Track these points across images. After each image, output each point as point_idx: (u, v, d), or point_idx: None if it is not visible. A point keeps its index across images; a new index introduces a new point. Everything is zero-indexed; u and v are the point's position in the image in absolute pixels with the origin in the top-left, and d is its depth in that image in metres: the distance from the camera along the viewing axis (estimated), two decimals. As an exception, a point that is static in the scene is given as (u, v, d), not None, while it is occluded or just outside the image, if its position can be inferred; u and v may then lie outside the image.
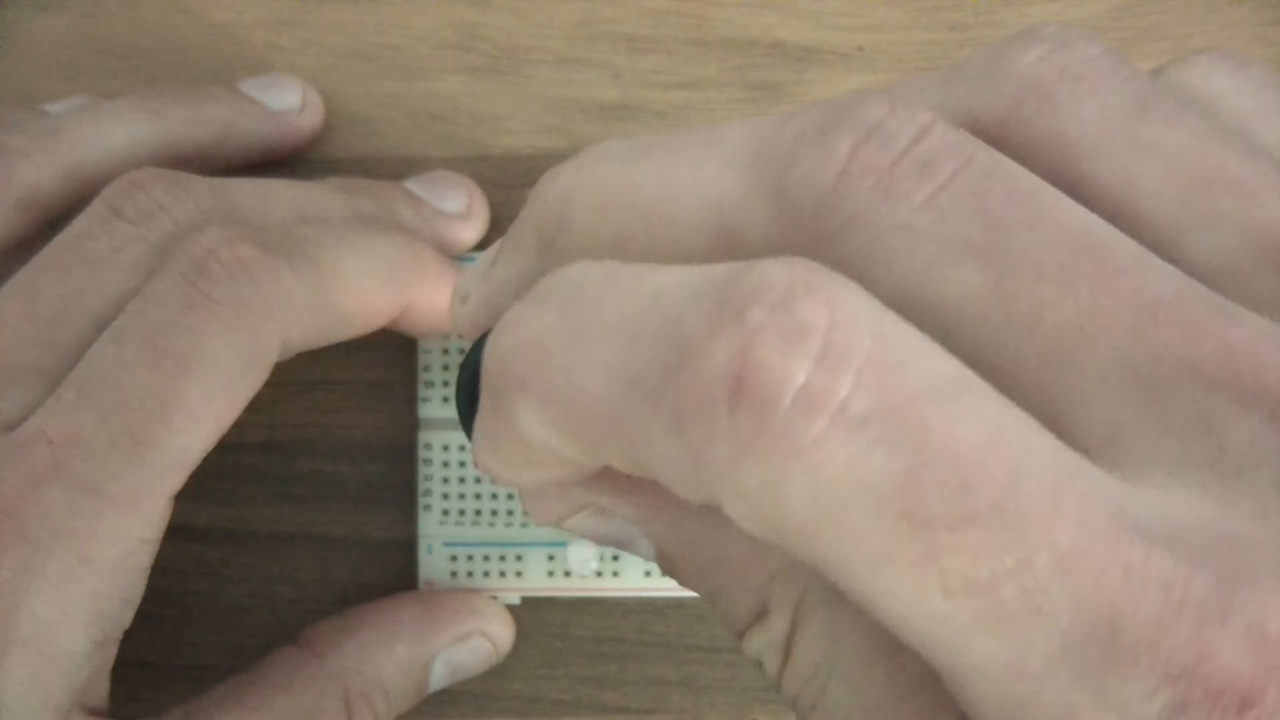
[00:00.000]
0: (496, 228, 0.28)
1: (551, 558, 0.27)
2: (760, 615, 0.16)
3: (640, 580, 0.27)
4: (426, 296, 0.24)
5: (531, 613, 0.27)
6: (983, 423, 0.11)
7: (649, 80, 0.28)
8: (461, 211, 0.27)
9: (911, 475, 0.11)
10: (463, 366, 0.16)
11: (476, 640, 0.26)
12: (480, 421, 0.15)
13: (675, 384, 0.12)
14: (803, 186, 0.13)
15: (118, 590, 0.21)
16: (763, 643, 0.16)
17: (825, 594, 0.15)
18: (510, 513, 0.27)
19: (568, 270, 0.14)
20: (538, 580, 0.27)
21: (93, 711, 0.22)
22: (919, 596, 0.11)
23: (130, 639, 0.22)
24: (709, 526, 0.16)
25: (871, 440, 0.11)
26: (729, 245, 0.14)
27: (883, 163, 0.13)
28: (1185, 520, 0.12)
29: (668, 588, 0.27)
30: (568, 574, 0.27)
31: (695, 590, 0.17)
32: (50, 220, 0.24)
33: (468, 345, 0.27)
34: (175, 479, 0.21)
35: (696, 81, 0.28)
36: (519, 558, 0.27)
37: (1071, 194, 0.13)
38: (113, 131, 0.25)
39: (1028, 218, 0.13)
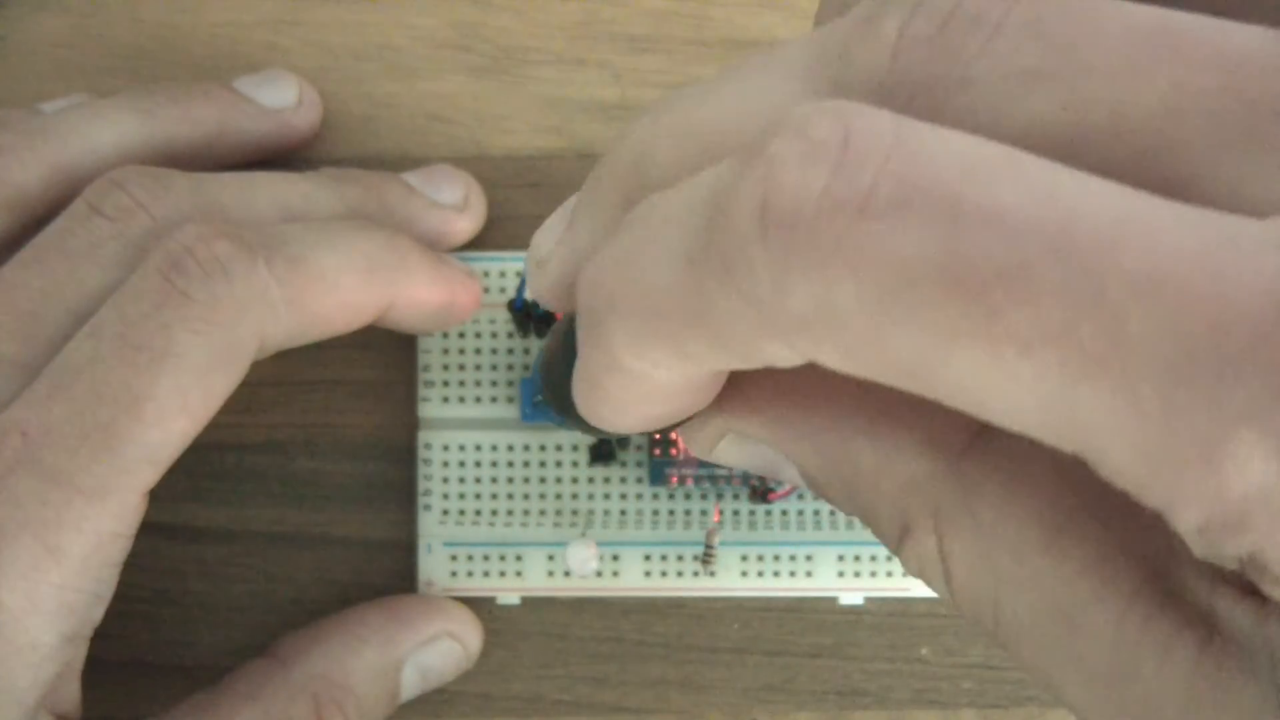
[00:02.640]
0: (495, 226, 0.28)
1: (551, 558, 0.27)
2: (905, 531, 0.15)
3: (640, 580, 0.27)
4: (410, 293, 0.24)
5: (531, 613, 0.27)
6: (1026, 182, 0.11)
7: (649, 80, 0.28)
8: (457, 203, 0.27)
9: (951, 242, 0.11)
10: (565, 322, 0.16)
11: (445, 643, 0.26)
12: (582, 363, 0.15)
13: (715, 238, 0.12)
14: (862, 76, 0.13)
15: (87, 584, 0.21)
16: (918, 560, 0.15)
17: (961, 500, 0.15)
18: (510, 513, 0.27)
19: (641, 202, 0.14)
20: (538, 580, 0.27)
21: (63, 717, 0.22)
22: (1001, 367, 0.11)
23: (130, 639, 0.22)
24: (839, 439, 0.16)
25: (905, 224, 0.11)
26: None
27: (932, 31, 0.13)
28: None
29: (668, 588, 0.27)
30: (567, 574, 0.27)
31: (848, 513, 0.16)
32: (37, 219, 0.24)
33: (468, 333, 0.27)
34: (148, 473, 0.21)
35: (696, 81, 0.28)
36: (519, 558, 0.27)
37: None
38: (102, 130, 0.25)
39: (1087, 28, 0.13)
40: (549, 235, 0.17)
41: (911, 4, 0.13)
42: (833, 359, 0.12)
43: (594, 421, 0.16)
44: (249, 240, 0.22)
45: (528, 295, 0.26)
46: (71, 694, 0.22)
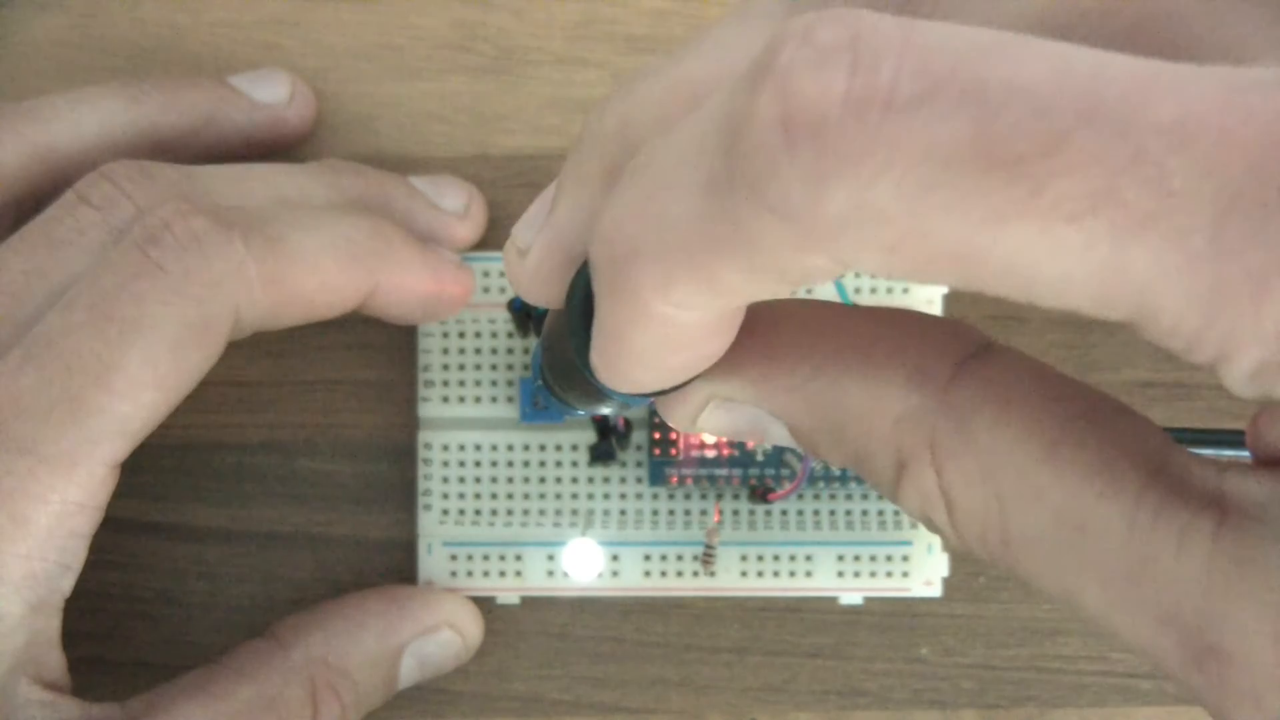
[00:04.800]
0: (496, 226, 0.28)
1: (551, 557, 0.27)
2: (901, 467, 0.15)
3: (640, 580, 0.27)
4: (394, 280, 0.24)
5: (531, 613, 0.27)
6: (1043, 58, 0.11)
7: (649, 80, 0.28)
8: (459, 210, 0.27)
9: (983, 125, 0.11)
10: (573, 285, 0.16)
11: (445, 633, 0.26)
12: (600, 321, 0.15)
13: (738, 159, 0.12)
14: None
15: (53, 554, 0.21)
16: (918, 496, 0.15)
17: (956, 428, 0.15)
18: (510, 512, 0.27)
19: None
20: (538, 580, 0.27)
21: (49, 685, 0.22)
22: (1050, 240, 0.11)
23: (130, 639, 0.22)
24: (826, 386, 0.16)
25: (933, 112, 0.11)
26: None
27: None
28: None
29: (668, 588, 0.27)
30: (567, 574, 0.27)
31: (838, 463, 0.16)
32: (17, 200, 0.24)
33: (468, 333, 0.27)
34: (116, 446, 0.21)
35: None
36: (519, 558, 0.27)
37: None
38: (86, 114, 0.25)
39: None
40: (529, 226, 0.17)
41: None
42: (876, 260, 0.12)
43: (615, 382, 0.15)
44: (227, 218, 0.22)
45: None
46: (54, 663, 0.22)
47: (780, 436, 0.17)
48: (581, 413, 0.24)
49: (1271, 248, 0.10)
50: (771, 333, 0.16)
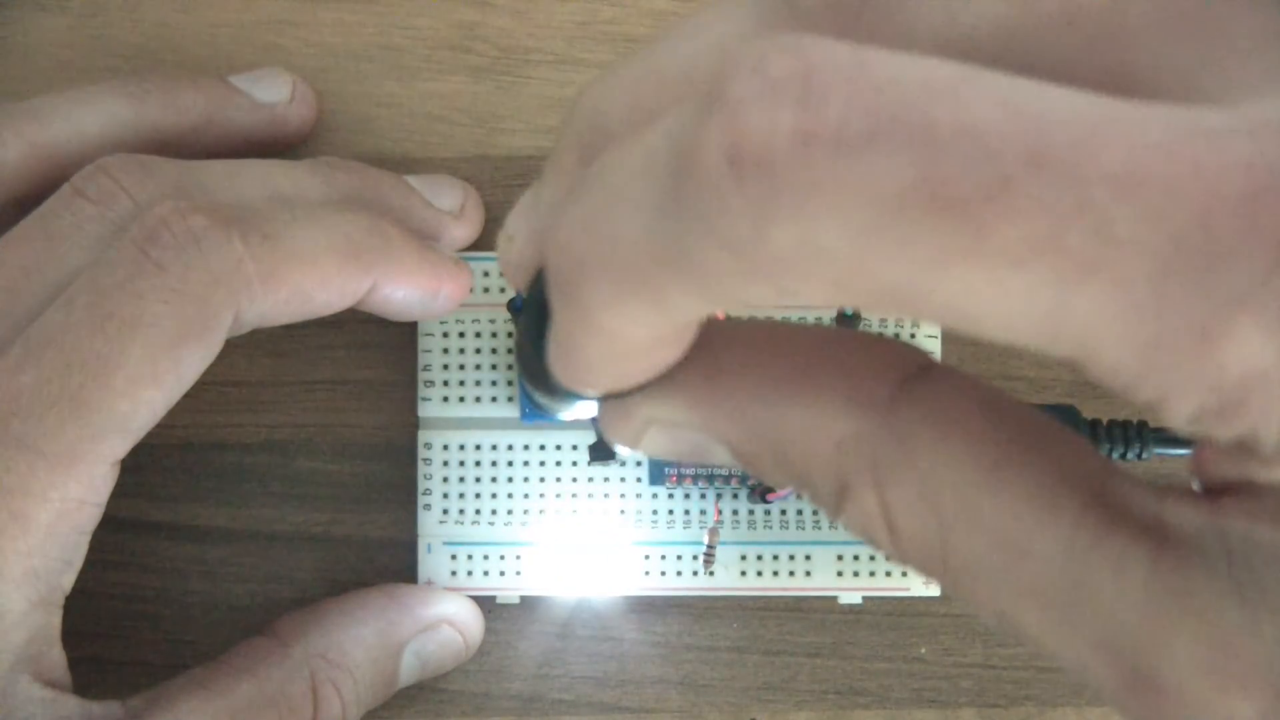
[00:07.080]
0: (495, 226, 0.28)
1: (551, 558, 0.27)
2: (844, 490, 0.15)
3: (640, 580, 0.27)
4: (393, 277, 0.24)
5: (531, 613, 0.27)
6: (992, 98, 0.11)
7: (649, 80, 0.28)
8: (454, 210, 0.27)
9: (929, 166, 0.11)
10: (532, 285, 0.16)
11: (446, 631, 0.26)
12: (555, 327, 0.15)
13: (687, 187, 0.12)
14: None
15: (54, 550, 0.21)
16: (860, 519, 0.15)
17: (897, 451, 0.15)
18: (510, 512, 0.27)
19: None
20: (538, 580, 0.27)
21: (50, 683, 0.22)
22: (993, 283, 0.11)
23: (130, 639, 0.22)
24: (766, 409, 0.16)
25: (880, 152, 0.11)
26: None
27: None
28: (1254, 117, 0.11)
29: (668, 588, 0.27)
30: (568, 574, 0.27)
31: (783, 484, 0.16)
32: (17, 198, 0.24)
33: (468, 333, 0.27)
34: (116, 443, 0.21)
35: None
36: (519, 557, 0.27)
37: None
38: (87, 114, 0.25)
39: None
40: (520, 214, 0.17)
41: None
42: (819, 293, 0.12)
43: (570, 385, 0.16)
44: (225, 215, 0.22)
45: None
46: (55, 660, 0.22)
47: (722, 459, 0.17)
48: (559, 415, 0.24)
49: (1212, 299, 0.11)
50: (710, 355, 0.16)
